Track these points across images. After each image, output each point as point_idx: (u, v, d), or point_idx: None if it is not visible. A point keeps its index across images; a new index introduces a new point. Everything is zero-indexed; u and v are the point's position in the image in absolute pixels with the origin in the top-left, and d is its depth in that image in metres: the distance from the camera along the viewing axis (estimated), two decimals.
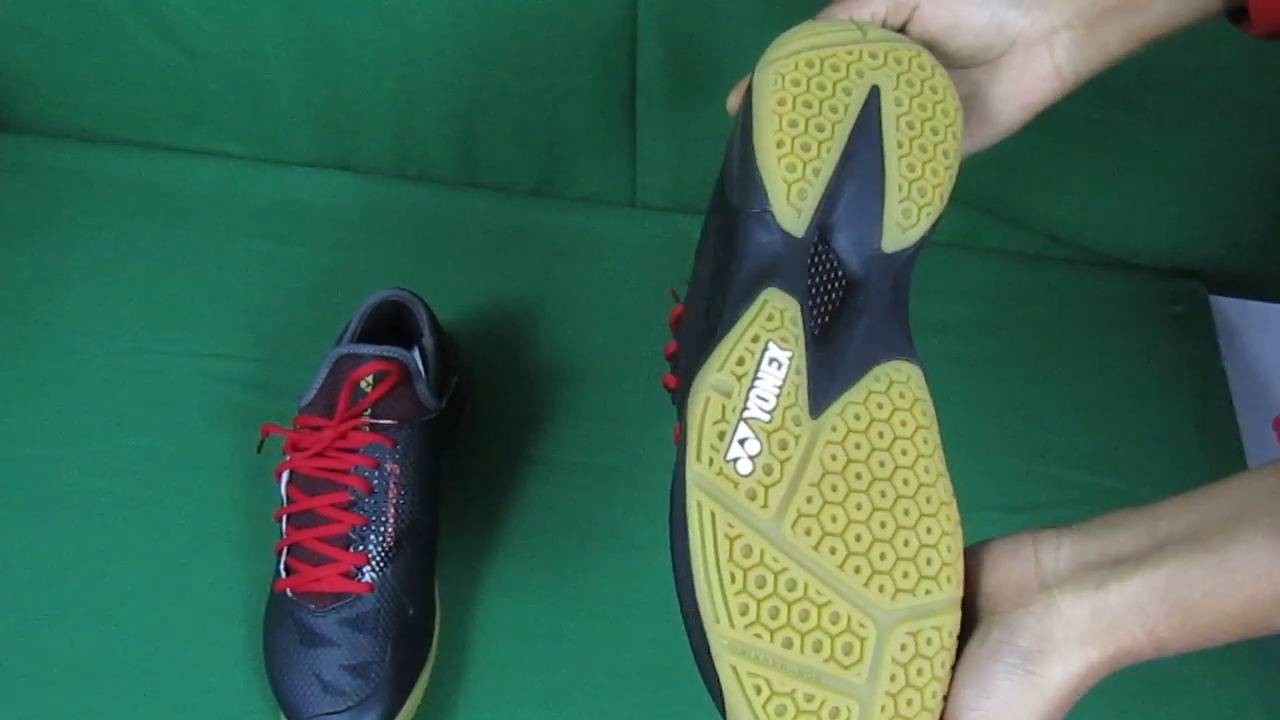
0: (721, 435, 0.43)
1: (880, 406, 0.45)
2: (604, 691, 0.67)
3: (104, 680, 0.66)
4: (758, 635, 0.41)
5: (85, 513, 0.72)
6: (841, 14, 0.52)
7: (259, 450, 0.69)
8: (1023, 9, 0.51)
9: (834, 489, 0.43)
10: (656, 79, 0.81)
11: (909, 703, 0.42)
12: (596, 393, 0.79)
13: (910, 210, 0.48)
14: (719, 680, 0.41)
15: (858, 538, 0.43)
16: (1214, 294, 0.89)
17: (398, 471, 0.65)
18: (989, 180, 0.84)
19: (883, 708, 0.41)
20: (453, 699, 0.67)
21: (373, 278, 0.80)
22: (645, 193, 0.90)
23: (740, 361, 0.44)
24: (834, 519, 0.43)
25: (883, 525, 0.43)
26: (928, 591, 0.43)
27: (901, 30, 0.52)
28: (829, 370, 0.45)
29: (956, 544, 0.44)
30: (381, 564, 0.64)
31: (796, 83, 0.48)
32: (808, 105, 0.48)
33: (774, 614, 0.41)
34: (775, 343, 0.45)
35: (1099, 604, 0.41)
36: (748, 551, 0.42)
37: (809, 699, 0.41)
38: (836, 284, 0.47)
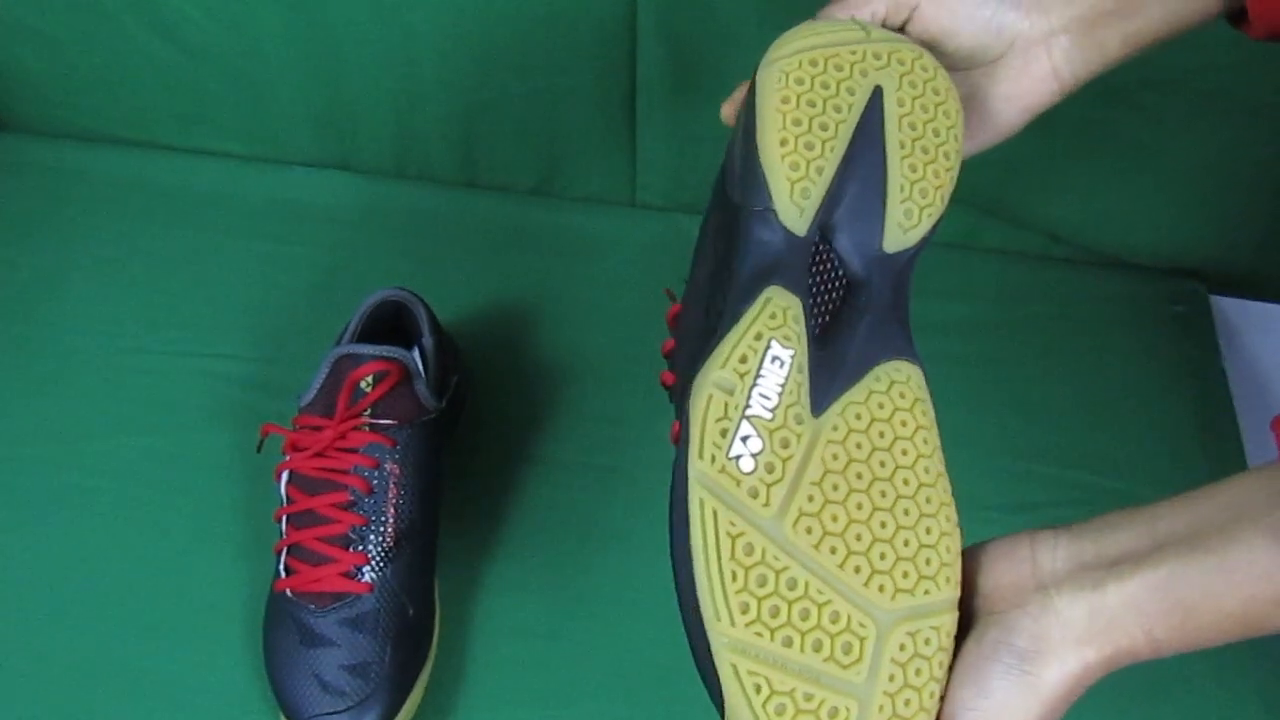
0: (724, 433, 0.43)
1: (881, 406, 0.45)
2: (604, 691, 0.67)
3: (104, 680, 0.66)
4: (758, 634, 0.41)
5: (85, 512, 0.72)
6: (841, 13, 0.52)
7: (259, 450, 0.69)
8: (1021, 11, 0.51)
9: (835, 488, 0.43)
10: (656, 78, 0.81)
11: (907, 703, 0.42)
12: (596, 392, 0.79)
13: (912, 211, 0.48)
14: (719, 679, 0.41)
15: (858, 537, 0.43)
16: (1214, 294, 0.89)
17: (397, 471, 0.65)
18: (989, 180, 0.84)
19: (881, 708, 0.41)
20: (452, 699, 0.67)
21: (372, 277, 0.80)
22: (645, 192, 0.90)
23: (743, 359, 0.44)
24: (835, 518, 0.43)
25: (883, 525, 0.43)
26: (926, 592, 0.43)
27: (900, 30, 0.52)
28: (830, 369, 0.45)
29: (955, 544, 0.44)
30: (381, 564, 0.64)
31: (800, 81, 0.48)
32: (811, 104, 0.48)
33: (774, 613, 0.41)
34: (778, 340, 0.45)
35: (1096, 604, 0.41)
36: (749, 550, 0.42)
37: (808, 698, 0.41)
38: (837, 283, 0.47)
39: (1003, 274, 0.88)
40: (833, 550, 0.42)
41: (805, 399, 0.44)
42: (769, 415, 0.43)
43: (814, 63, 0.48)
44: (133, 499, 0.73)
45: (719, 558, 0.41)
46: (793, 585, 0.42)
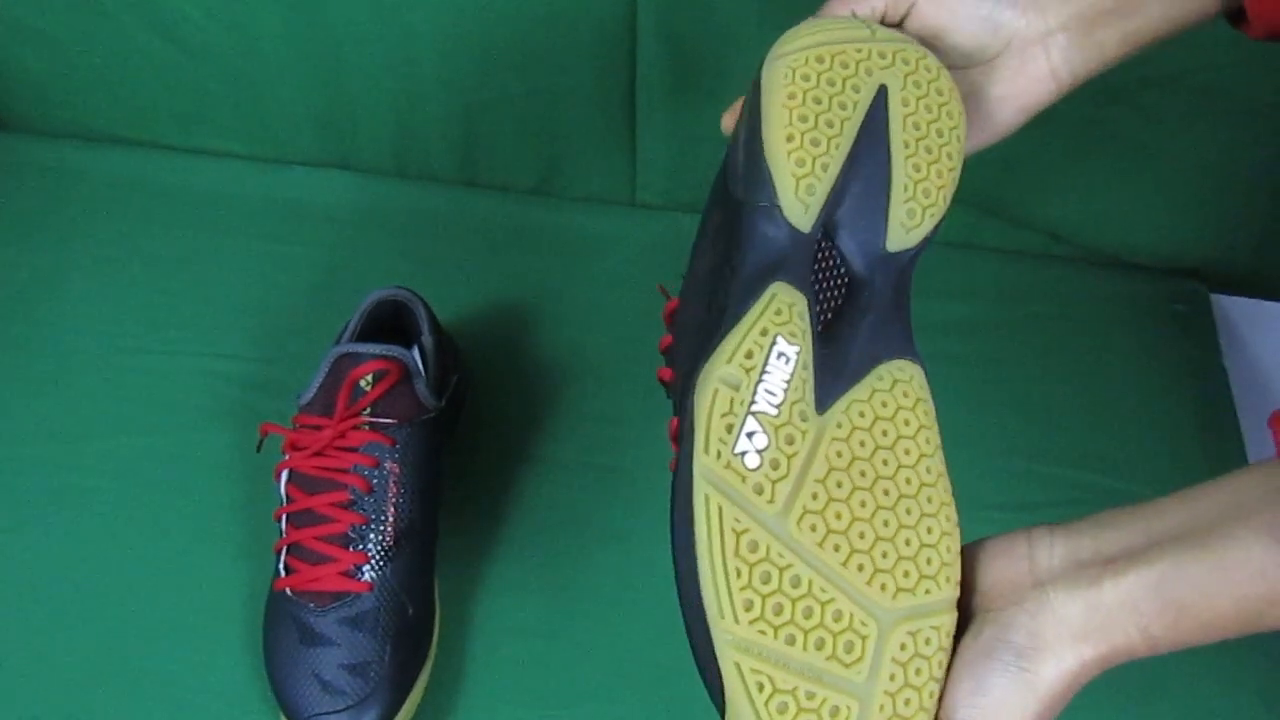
0: (729, 428, 0.43)
1: (884, 405, 0.45)
2: (603, 691, 0.67)
3: (103, 679, 0.66)
4: (761, 632, 0.41)
5: (84, 512, 0.72)
6: (842, 10, 0.52)
7: (258, 449, 0.69)
8: (1018, 10, 0.51)
9: (839, 486, 0.43)
10: (656, 78, 0.81)
11: (907, 702, 0.42)
12: (596, 392, 0.79)
13: (914, 211, 0.48)
14: (720, 677, 0.41)
15: (861, 535, 0.43)
16: (1215, 293, 0.89)
17: (397, 470, 0.65)
18: (989, 180, 0.84)
19: (881, 707, 0.41)
20: (452, 698, 0.67)
21: (372, 277, 0.80)
22: (645, 192, 0.90)
23: (749, 355, 0.44)
24: (838, 516, 0.43)
25: (885, 524, 0.43)
26: (927, 591, 0.43)
27: (898, 27, 0.52)
28: (833, 367, 0.45)
29: (955, 544, 0.45)
30: (381, 563, 0.64)
31: (806, 78, 0.48)
32: (817, 101, 0.48)
33: (778, 610, 0.41)
34: (784, 337, 0.45)
35: (1092, 601, 0.41)
36: (754, 547, 0.42)
37: (810, 697, 0.41)
38: (839, 281, 0.47)
39: (1003, 273, 0.88)
40: (836, 548, 0.42)
41: (810, 396, 0.44)
42: (774, 411, 0.43)
43: (820, 59, 0.48)
44: (133, 499, 0.73)
45: (723, 554, 0.41)
46: (796, 583, 0.42)
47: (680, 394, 0.46)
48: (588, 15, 0.78)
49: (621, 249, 0.87)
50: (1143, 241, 0.88)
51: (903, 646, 0.42)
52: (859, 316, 0.47)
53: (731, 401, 0.43)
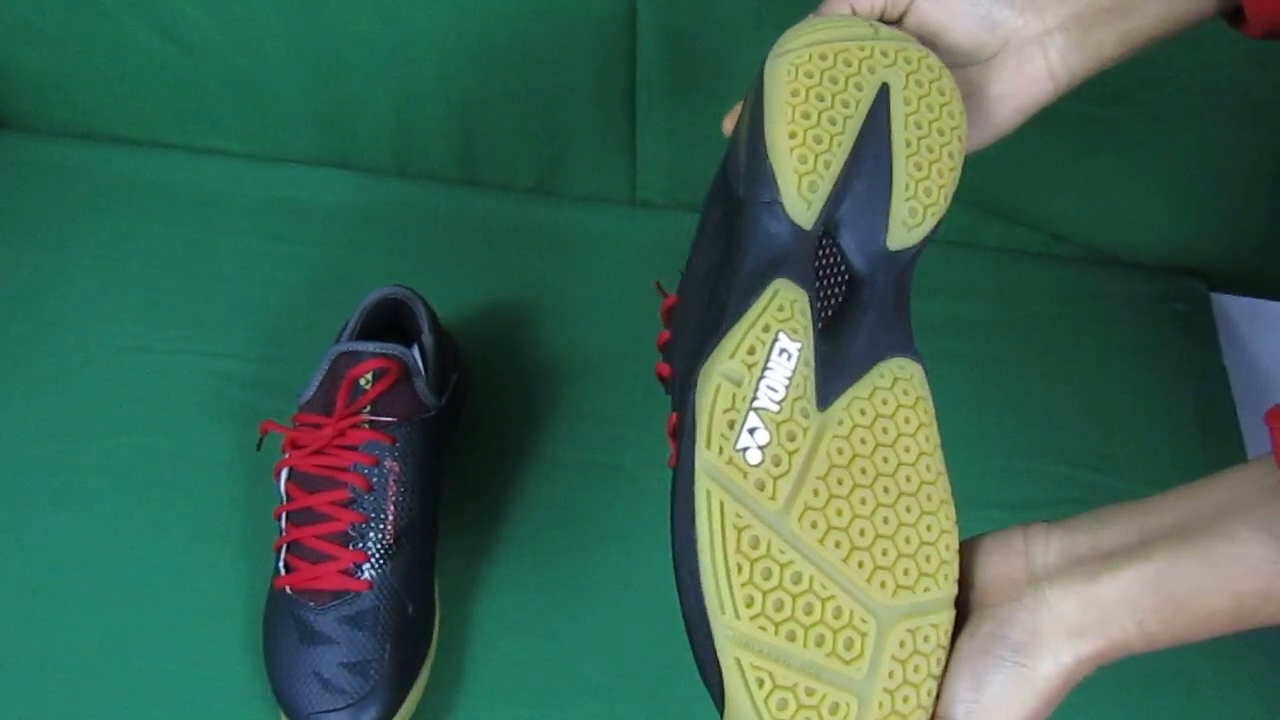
0: (731, 424, 0.43)
1: (885, 402, 0.45)
2: (603, 690, 0.67)
3: (103, 678, 0.66)
4: (762, 628, 0.41)
5: (85, 511, 0.72)
6: (841, 7, 0.52)
7: (258, 448, 0.69)
8: (1016, 9, 0.51)
9: (840, 483, 0.43)
10: (656, 76, 0.81)
11: (905, 699, 0.42)
12: (596, 390, 0.79)
13: (916, 209, 0.48)
14: (720, 672, 0.41)
15: (861, 532, 0.43)
16: (1215, 292, 0.89)
17: (397, 469, 0.65)
18: (989, 178, 0.84)
19: (880, 704, 0.42)
20: (452, 697, 0.67)
21: (372, 275, 0.80)
22: (645, 190, 0.90)
23: (751, 351, 0.44)
24: (839, 513, 0.43)
25: (885, 521, 0.44)
26: (926, 589, 0.43)
27: (896, 24, 0.52)
28: (833, 364, 0.45)
29: (954, 542, 0.45)
30: (381, 561, 0.64)
31: (810, 75, 0.48)
32: (820, 98, 0.48)
33: (779, 607, 0.41)
34: (786, 333, 0.45)
35: (1089, 597, 0.42)
36: (755, 543, 0.42)
37: (810, 693, 0.41)
38: (840, 279, 0.47)
39: (1003, 272, 0.88)
40: (837, 545, 0.43)
41: (811, 392, 0.44)
42: (776, 408, 0.43)
43: (824, 57, 0.48)
44: (133, 498, 0.73)
45: (724, 550, 0.41)
46: (797, 579, 0.42)
47: (680, 390, 0.46)
48: (588, 14, 0.78)
49: (621, 248, 0.87)
50: (1143, 240, 0.88)
51: (902, 644, 0.42)
52: (860, 314, 0.47)
53: (734, 397, 0.43)
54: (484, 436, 0.76)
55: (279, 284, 0.83)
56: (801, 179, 0.47)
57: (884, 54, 0.49)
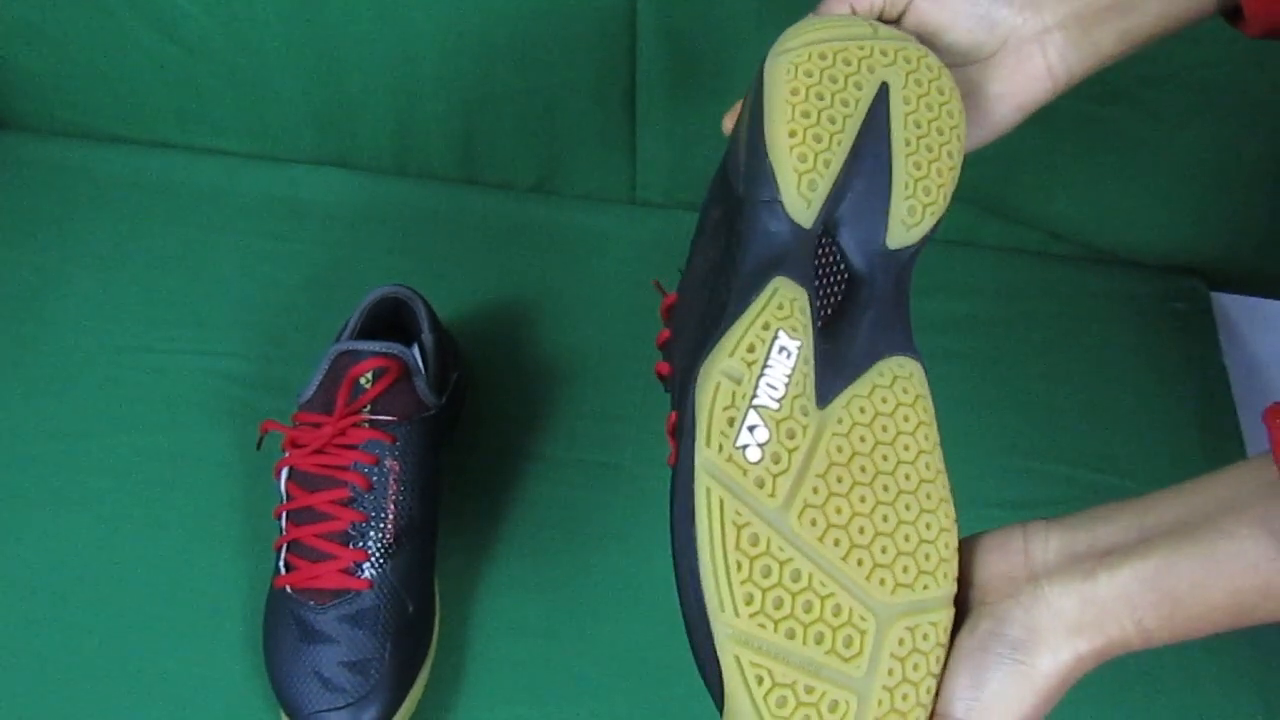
0: (731, 421, 0.43)
1: (884, 401, 0.45)
2: (602, 689, 0.67)
3: (104, 677, 0.66)
4: (761, 625, 0.41)
5: (85, 510, 0.72)
6: (841, 7, 0.52)
7: (258, 447, 0.69)
8: (1014, 8, 0.51)
9: (839, 481, 0.43)
10: (656, 75, 0.81)
11: (904, 697, 0.42)
12: (596, 389, 0.79)
13: (915, 208, 0.48)
14: (720, 670, 0.41)
15: (861, 530, 0.43)
16: (1214, 291, 0.89)
17: (397, 468, 0.65)
18: (989, 177, 0.84)
19: (879, 701, 0.42)
20: (452, 696, 0.67)
21: (372, 274, 0.80)
22: (645, 189, 0.90)
23: (751, 348, 0.44)
24: (838, 511, 0.43)
25: (884, 519, 0.44)
26: (925, 587, 0.43)
27: (896, 24, 0.52)
28: (833, 363, 0.45)
29: (953, 540, 0.45)
30: (381, 561, 0.64)
31: (810, 74, 0.48)
32: (820, 97, 0.48)
33: (778, 604, 0.41)
34: (785, 331, 0.45)
35: (1087, 595, 0.42)
36: (755, 540, 0.42)
37: (809, 691, 0.41)
38: (839, 278, 0.47)
39: (1002, 271, 0.88)
40: (836, 543, 0.43)
41: (811, 391, 0.44)
42: (776, 406, 0.43)
43: (823, 56, 0.48)
44: (133, 498, 0.73)
45: (724, 547, 0.41)
46: (796, 577, 0.42)
47: (680, 388, 0.46)
48: (587, 12, 0.78)
49: (621, 246, 0.87)
50: (1142, 239, 0.88)
51: (901, 642, 0.42)
52: (859, 313, 0.47)
53: (733, 395, 0.43)
54: (484, 435, 0.77)
55: (279, 283, 0.83)
56: (801, 177, 0.47)
57: (883, 53, 0.49)
